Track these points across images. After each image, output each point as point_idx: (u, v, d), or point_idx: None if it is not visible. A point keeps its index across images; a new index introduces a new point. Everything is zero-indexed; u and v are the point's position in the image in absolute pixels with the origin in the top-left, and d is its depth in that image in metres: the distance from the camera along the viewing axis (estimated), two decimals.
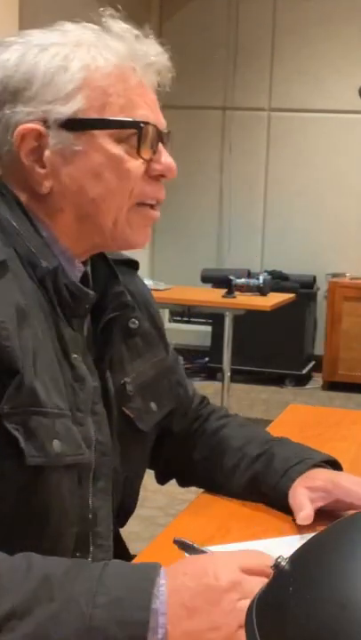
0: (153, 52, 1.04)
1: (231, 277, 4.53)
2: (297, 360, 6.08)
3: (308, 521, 1.12)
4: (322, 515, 1.15)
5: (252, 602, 0.74)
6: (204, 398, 1.39)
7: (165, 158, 1.05)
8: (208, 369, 6.09)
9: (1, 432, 0.90)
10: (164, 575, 0.80)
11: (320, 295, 6.34)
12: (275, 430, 1.48)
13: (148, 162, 1.04)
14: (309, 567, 0.69)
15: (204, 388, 5.29)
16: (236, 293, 4.48)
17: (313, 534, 0.76)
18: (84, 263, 1.10)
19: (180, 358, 1.36)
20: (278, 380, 6.08)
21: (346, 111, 6.21)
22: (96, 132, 1.00)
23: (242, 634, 0.73)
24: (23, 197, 1.02)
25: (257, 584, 0.78)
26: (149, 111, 1.03)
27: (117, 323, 1.13)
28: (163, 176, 1.06)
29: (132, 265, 1.24)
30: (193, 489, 1.36)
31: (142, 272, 1.29)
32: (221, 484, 1.28)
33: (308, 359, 6.26)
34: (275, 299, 4.59)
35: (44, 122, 0.99)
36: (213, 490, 1.30)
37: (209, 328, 6.18)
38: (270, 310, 4.41)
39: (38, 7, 4.47)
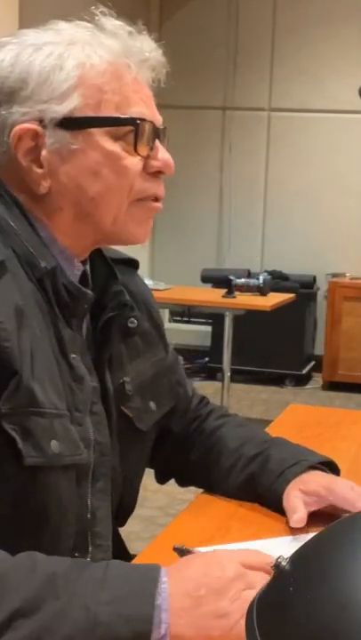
0: (147, 48, 1.04)
1: (231, 277, 4.53)
2: (297, 360, 6.08)
3: (301, 524, 1.12)
4: (316, 516, 1.15)
5: (253, 602, 0.74)
6: (203, 398, 1.39)
7: (162, 154, 1.05)
8: (208, 369, 6.09)
9: (0, 434, 0.90)
10: (165, 574, 0.81)
11: (320, 295, 6.34)
12: (275, 430, 1.48)
13: (146, 158, 1.04)
14: (310, 567, 0.69)
15: (204, 387, 5.30)
16: (236, 293, 4.48)
17: (309, 535, 0.76)
18: (84, 262, 1.10)
19: (180, 358, 1.36)
20: (278, 380, 6.08)
21: (346, 111, 6.21)
22: (93, 130, 1.00)
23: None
24: (21, 197, 1.02)
25: (260, 577, 0.80)
26: (145, 107, 1.03)
27: (116, 322, 1.13)
28: (161, 172, 1.06)
29: (132, 264, 1.24)
30: (193, 489, 1.36)
31: (142, 272, 1.28)
32: (218, 484, 1.28)
33: (308, 359, 6.26)
34: (275, 299, 4.59)
35: (41, 121, 0.99)
36: (211, 490, 1.30)
37: (209, 328, 6.19)
38: (270, 310, 4.41)
39: (38, 7, 4.47)
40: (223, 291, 4.52)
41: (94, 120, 1.00)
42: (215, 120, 6.56)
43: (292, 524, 1.12)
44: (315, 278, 6.29)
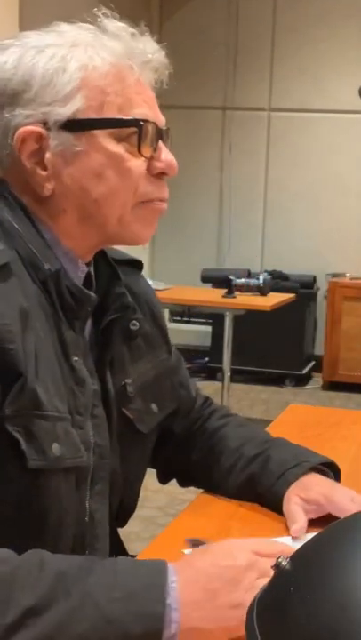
0: (150, 50, 1.04)
1: (231, 277, 4.53)
2: (297, 360, 6.08)
3: (302, 534, 1.12)
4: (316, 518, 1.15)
5: (253, 602, 0.74)
6: (207, 399, 1.39)
7: (166, 155, 1.05)
8: (208, 369, 6.09)
9: (2, 435, 0.90)
10: (174, 571, 0.82)
11: (320, 295, 6.34)
12: (275, 430, 1.48)
13: (149, 160, 1.04)
14: (310, 567, 0.69)
15: (204, 387, 5.28)
16: (236, 293, 4.48)
17: (309, 535, 0.76)
18: (88, 264, 1.09)
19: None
20: (278, 380, 6.08)
21: (346, 111, 6.21)
22: (96, 132, 1.00)
23: None
24: (25, 199, 1.02)
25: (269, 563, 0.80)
26: (148, 109, 1.03)
27: (118, 324, 1.13)
28: (164, 174, 1.06)
29: (136, 265, 1.24)
30: (193, 489, 1.36)
31: (142, 272, 1.28)
32: (218, 484, 1.28)
33: (308, 359, 6.26)
34: (275, 299, 4.59)
35: (44, 124, 0.99)
36: (211, 490, 1.30)
37: (209, 328, 6.18)
38: (270, 310, 4.41)
39: (38, 7, 4.47)
40: (223, 291, 4.52)
41: (98, 122, 1.00)
42: (215, 120, 6.56)
43: (293, 534, 1.12)
44: (315, 278, 6.29)
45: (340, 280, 6.13)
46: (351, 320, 5.97)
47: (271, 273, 5.65)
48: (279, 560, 0.71)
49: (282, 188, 6.50)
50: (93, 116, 1.00)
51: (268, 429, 1.49)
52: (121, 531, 1.23)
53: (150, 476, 1.29)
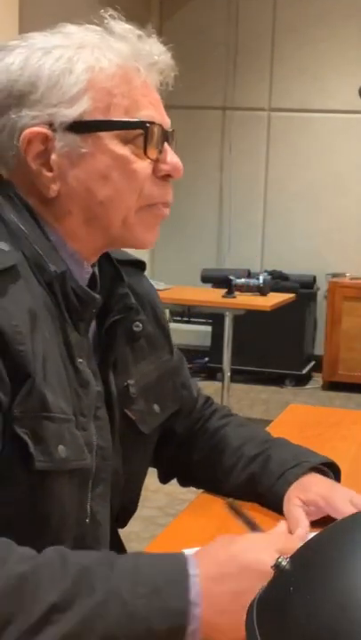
0: (156, 52, 1.04)
1: (231, 277, 4.53)
2: (297, 360, 6.08)
3: (305, 539, 1.11)
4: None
5: (253, 602, 0.74)
6: (208, 398, 1.39)
7: (171, 157, 1.05)
8: (208, 369, 6.09)
9: (10, 436, 0.90)
10: (195, 564, 0.82)
11: (320, 295, 6.34)
12: (275, 430, 1.48)
13: (155, 162, 1.04)
14: (310, 567, 0.69)
15: (204, 387, 5.26)
16: (236, 293, 4.48)
17: (309, 535, 0.76)
18: (92, 265, 1.09)
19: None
20: (278, 380, 6.08)
21: (346, 111, 6.21)
22: (102, 134, 1.00)
23: None
24: (30, 201, 1.02)
25: None
26: (154, 111, 1.03)
27: (121, 325, 1.13)
28: (170, 176, 1.06)
29: (139, 265, 1.24)
30: (193, 489, 1.36)
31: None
32: (219, 484, 1.28)
33: (308, 359, 6.26)
34: (275, 299, 4.59)
35: (50, 125, 0.99)
36: (212, 489, 1.30)
37: (209, 328, 6.19)
38: (270, 310, 4.40)
39: (38, 7, 4.47)
40: (223, 291, 4.52)
41: (104, 124, 1.00)
42: (215, 120, 6.56)
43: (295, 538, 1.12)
44: (315, 278, 6.29)
45: (340, 280, 6.13)
46: (351, 320, 5.97)
47: (271, 273, 5.65)
48: (279, 560, 0.71)
49: (282, 188, 6.50)
50: (100, 117, 1.00)
51: (268, 429, 1.49)
52: (121, 531, 1.23)
53: (150, 476, 1.29)
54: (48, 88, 0.98)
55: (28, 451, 0.91)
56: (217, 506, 1.25)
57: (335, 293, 6.02)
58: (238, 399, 5.50)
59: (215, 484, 1.29)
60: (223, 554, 0.85)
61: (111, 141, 1.00)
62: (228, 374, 4.48)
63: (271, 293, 4.70)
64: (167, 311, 5.92)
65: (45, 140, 0.99)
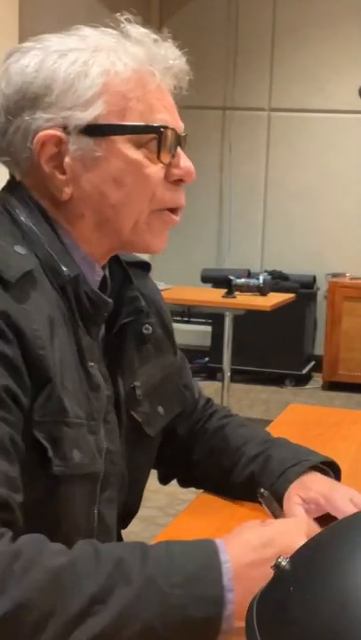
0: (171, 56, 1.04)
1: (231, 277, 4.53)
2: (297, 360, 6.08)
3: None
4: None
5: (253, 602, 0.74)
6: (208, 400, 1.39)
7: (184, 162, 1.05)
8: (208, 369, 6.09)
9: (29, 440, 0.90)
10: (225, 550, 0.83)
11: (320, 295, 6.34)
12: (275, 430, 1.48)
13: (168, 166, 1.04)
14: (310, 567, 0.69)
15: (204, 387, 5.28)
16: (236, 293, 4.48)
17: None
18: (103, 267, 1.09)
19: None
20: (278, 380, 6.08)
21: (346, 111, 6.22)
22: (116, 138, 1.00)
23: None
24: (43, 203, 1.02)
25: None
26: (168, 115, 1.03)
27: (131, 328, 1.13)
28: (182, 180, 1.06)
29: (144, 266, 1.24)
30: (193, 489, 1.36)
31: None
32: (219, 484, 1.28)
33: (308, 359, 6.26)
34: (275, 299, 4.59)
35: (64, 128, 0.98)
36: (212, 490, 1.30)
37: (209, 328, 6.19)
38: (270, 310, 4.40)
39: (38, 7, 4.47)
40: (223, 291, 4.52)
41: (118, 128, 1.00)
42: (215, 120, 6.56)
43: None
44: (315, 278, 6.29)
45: (340, 280, 6.13)
46: (351, 320, 5.97)
47: (271, 273, 5.65)
48: (279, 560, 0.71)
49: (282, 187, 6.50)
50: (114, 121, 1.00)
51: (268, 429, 1.49)
52: (121, 531, 1.23)
53: (150, 476, 1.29)
54: (63, 91, 0.98)
55: (46, 455, 0.91)
56: (217, 506, 1.25)
57: (335, 293, 6.02)
58: (238, 399, 5.50)
59: (215, 483, 1.29)
60: (256, 540, 0.85)
61: (125, 145, 1.00)
62: (228, 374, 4.48)
63: (271, 293, 4.70)
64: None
65: (59, 142, 0.99)
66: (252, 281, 4.71)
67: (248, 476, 1.25)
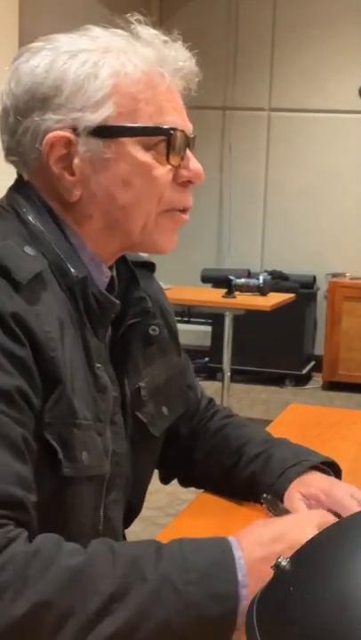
0: (181, 58, 1.04)
1: (231, 277, 4.53)
2: (297, 360, 6.08)
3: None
4: None
5: (253, 602, 0.74)
6: (210, 400, 1.39)
7: (193, 164, 1.05)
8: (208, 369, 6.09)
9: (40, 442, 0.90)
10: (238, 547, 0.84)
11: (320, 295, 6.34)
12: (275, 430, 1.48)
13: (176, 168, 1.03)
14: (310, 567, 0.69)
15: (204, 387, 5.28)
16: (236, 293, 4.48)
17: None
18: (110, 267, 1.09)
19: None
20: (278, 380, 6.08)
21: (346, 111, 6.21)
22: (125, 140, 1.00)
23: None
24: (51, 204, 1.02)
25: None
26: (178, 117, 1.03)
27: (137, 329, 1.13)
28: (190, 182, 1.05)
29: (149, 267, 1.24)
30: (193, 489, 1.36)
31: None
32: (220, 484, 1.28)
33: (308, 359, 6.26)
34: (275, 299, 4.59)
35: (74, 129, 0.98)
36: (212, 490, 1.30)
37: (209, 328, 6.18)
38: (270, 310, 4.40)
39: (38, 7, 4.47)
40: (223, 291, 4.52)
41: (128, 129, 1.00)
42: (215, 120, 6.56)
43: None
44: (315, 278, 6.29)
45: (340, 280, 6.13)
46: (351, 320, 5.97)
47: (271, 273, 5.65)
48: (279, 560, 0.71)
49: (282, 187, 6.50)
50: (123, 123, 0.99)
51: (268, 429, 1.49)
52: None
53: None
54: (73, 92, 0.98)
55: (56, 457, 0.91)
56: (217, 506, 1.25)
57: (335, 293, 6.02)
58: (238, 399, 5.50)
59: (216, 483, 1.29)
60: (267, 535, 0.86)
61: (134, 147, 1.00)
62: (228, 374, 4.47)
63: (271, 293, 4.70)
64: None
65: (68, 144, 0.99)
66: (252, 281, 4.70)
67: (249, 476, 1.25)
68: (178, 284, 5.07)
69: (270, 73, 6.48)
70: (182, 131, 1.03)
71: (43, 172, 1.01)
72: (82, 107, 0.98)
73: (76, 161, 0.99)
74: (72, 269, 0.99)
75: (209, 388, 5.34)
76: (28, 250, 0.96)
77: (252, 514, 1.22)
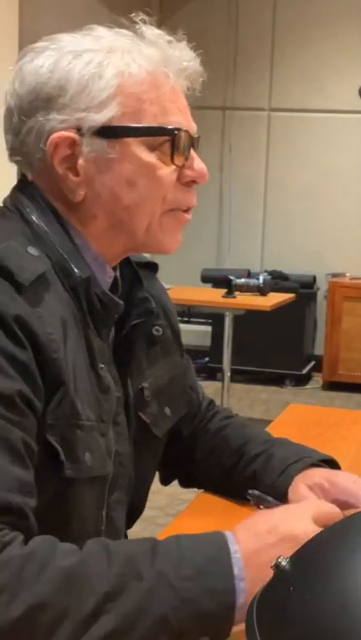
0: (186, 58, 1.04)
1: (231, 277, 4.53)
2: (297, 360, 6.08)
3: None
4: None
5: (253, 602, 0.74)
6: (211, 401, 1.39)
7: (198, 164, 1.05)
8: (208, 369, 6.09)
9: (42, 443, 0.90)
10: (234, 540, 0.84)
11: (320, 295, 6.34)
12: (275, 430, 1.48)
13: (180, 168, 1.03)
14: (310, 567, 0.69)
15: (204, 387, 5.28)
16: (236, 293, 4.48)
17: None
18: (114, 268, 1.09)
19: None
20: (278, 380, 6.08)
21: (346, 111, 6.22)
22: (129, 140, 1.00)
23: None
24: (55, 204, 1.02)
25: None
26: (182, 117, 1.03)
27: (141, 329, 1.13)
28: (195, 182, 1.05)
29: (152, 267, 1.24)
30: (193, 489, 1.36)
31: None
32: (220, 484, 1.28)
33: (308, 359, 6.26)
34: (275, 299, 4.59)
35: (78, 130, 0.98)
36: (213, 490, 1.30)
37: (209, 328, 6.19)
38: (270, 310, 4.40)
39: (38, 7, 4.47)
40: (223, 291, 4.52)
41: (132, 130, 0.99)
42: (215, 120, 6.56)
43: None
44: (315, 278, 6.29)
45: (340, 280, 6.13)
46: (351, 320, 5.97)
47: (271, 273, 5.65)
48: (279, 560, 0.71)
49: (282, 187, 6.50)
50: (128, 123, 0.99)
51: (268, 429, 1.49)
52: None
53: None
54: (77, 92, 0.97)
55: (58, 458, 0.91)
56: (217, 506, 1.25)
57: (335, 293, 6.02)
58: (238, 399, 5.50)
59: (216, 483, 1.29)
60: (262, 526, 0.86)
61: (138, 147, 1.00)
62: (228, 374, 4.48)
63: (271, 293, 4.70)
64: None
65: (72, 144, 0.98)
66: (252, 281, 4.70)
67: (249, 476, 1.25)
68: (178, 284, 5.07)
69: (270, 73, 6.48)
70: (186, 131, 1.03)
71: (47, 172, 1.01)
72: (86, 107, 0.98)
73: (80, 161, 0.99)
74: (76, 270, 0.99)
75: (209, 387, 5.34)
76: (32, 250, 0.96)
77: (252, 514, 1.21)
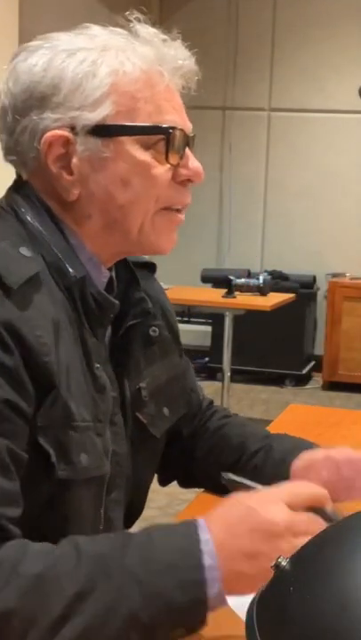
0: (181, 56, 1.03)
1: (231, 277, 4.53)
2: (297, 360, 6.08)
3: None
4: None
5: (253, 602, 0.74)
6: (211, 401, 1.39)
7: (193, 163, 1.04)
8: (208, 369, 6.09)
9: (33, 446, 0.90)
10: (206, 529, 0.83)
11: (320, 295, 6.34)
12: (275, 430, 1.47)
13: (175, 167, 1.03)
14: (310, 567, 0.69)
15: (204, 387, 5.28)
16: (236, 293, 4.48)
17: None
18: (109, 268, 1.09)
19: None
20: (278, 380, 6.08)
21: (346, 111, 6.21)
22: (124, 139, 0.99)
23: None
24: (50, 203, 1.01)
25: (307, 520, 0.84)
26: (177, 116, 1.03)
27: (138, 330, 1.12)
28: (190, 181, 1.05)
29: (150, 267, 1.23)
30: (193, 489, 1.36)
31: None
32: (220, 483, 1.28)
33: (308, 359, 6.26)
34: (275, 299, 4.59)
35: (72, 128, 0.97)
36: (213, 488, 1.29)
37: (209, 328, 6.18)
38: (270, 310, 4.41)
39: (38, 7, 4.47)
40: (223, 291, 4.52)
41: (126, 128, 0.99)
42: (215, 120, 6.56)
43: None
44: (315, 278, 6.29)
45: (340, 280, 6.13)
46: (351, 320, 5.97)
47: (271, 273, 5.65)
48: (279, 560, 0.71)
49: (282, 187, 6.50)
50: (122, 122, 0.99)
51: (268, 429, 1.49)
52: None
53: None
54: (71, 91, 0.97)
55: (50, 460, 0.91)
56: (217, 505, 1.25)
57: (335, 293, 6.02)
58: (238, 399, 5.50)
59: (216, 482, 1.28)
60: (233, 515, 0.86)
61: (133, 146, 1.00)
62: (228, 374, 4.48)
63: (271, 293, 4.70)
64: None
65: (66, 143, 0.98)
66: (252, 281, 4.70)
67: (251, 470, 1.24)
68: (178, 284, 5.07)
69: (270, 73, 6.48)
70: (181, 129, 1.03)
71: (41, 171, 1.00)
72: (80, 105, 0.97)
73: (74, 160, 0.99)
74: (70, 269, 0.99)
75: (209, 388, 5.34)
76: (24, 251, 0.95)
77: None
